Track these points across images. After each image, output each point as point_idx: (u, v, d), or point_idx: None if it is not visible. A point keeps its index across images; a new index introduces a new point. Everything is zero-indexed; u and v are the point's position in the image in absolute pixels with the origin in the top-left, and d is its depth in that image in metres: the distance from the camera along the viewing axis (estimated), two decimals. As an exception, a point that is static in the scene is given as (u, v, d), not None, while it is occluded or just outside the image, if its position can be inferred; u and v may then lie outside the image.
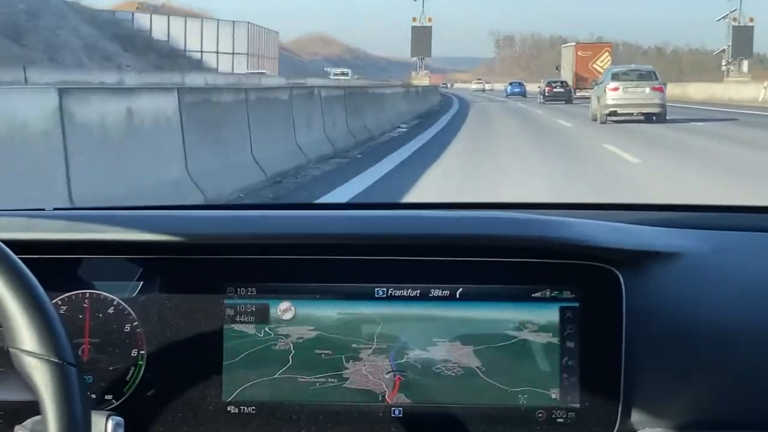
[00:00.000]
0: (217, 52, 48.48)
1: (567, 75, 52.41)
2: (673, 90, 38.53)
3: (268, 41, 58.06)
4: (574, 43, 57.21)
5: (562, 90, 41.72)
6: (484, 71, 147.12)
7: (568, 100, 40.98)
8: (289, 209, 1.22)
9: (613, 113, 21.25)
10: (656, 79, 22.07)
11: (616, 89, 21.23)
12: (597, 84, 23.49)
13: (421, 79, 56.95)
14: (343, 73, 61.80)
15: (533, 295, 0.94)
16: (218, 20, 49.20)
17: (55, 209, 1.10)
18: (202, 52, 47.84)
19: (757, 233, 1.09)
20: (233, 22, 49.53)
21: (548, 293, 0.94)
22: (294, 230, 0.98)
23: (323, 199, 7.50)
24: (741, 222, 1.18)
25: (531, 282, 0.94)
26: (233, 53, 49.64)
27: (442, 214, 1.09)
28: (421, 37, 65.62)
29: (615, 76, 22.04)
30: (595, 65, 50.73)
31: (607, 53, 54.31)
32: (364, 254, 0.96)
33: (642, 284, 0.95)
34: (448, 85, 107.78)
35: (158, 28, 45.81)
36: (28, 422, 0.74)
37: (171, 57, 41.63)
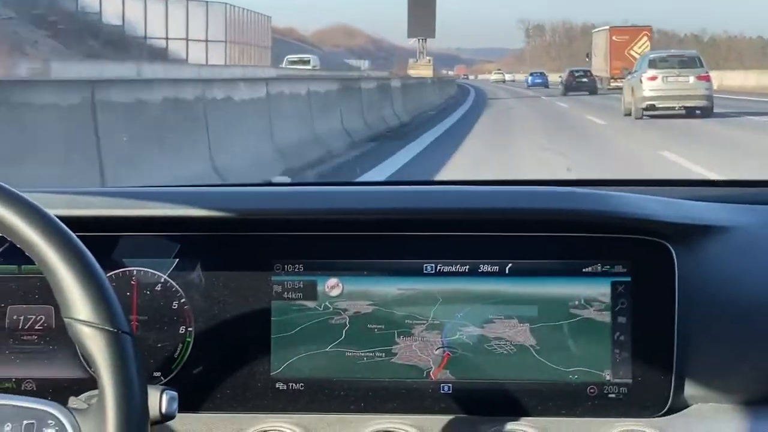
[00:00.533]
0: (187, 39, 38.30)
1: (599, 64, 45.92)
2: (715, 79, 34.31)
3: (257, 27, 46.45)
4: (607, 27, 47.00)
5: (585, 80, 38.17)
6: (512, 62, 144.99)
7: (592, 90, 37.58)
8: (333, 186, 1.23)
9: (651, 107, 17.91)
10: (701, 66, 18.71)
11: (654, 78, 17.94)
12: (630, 73, 19.84)
13: (422, 69, 45.68)
14: (302, 61, 48.18)
15: (584, 270, 0.94)
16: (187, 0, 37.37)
17: (103, 188, 1.10)
18: (167, 39, 37.60)
19: None
20: (206, 2, 38.53)
21: (600, 268, 0.94)
22: (339, 205, 0.99)
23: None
24: None
25: (582, 257, 0.94)
26: (207, 41, 39.21)
27: (489, 189, 1.08)
28: (422, 11, 50.53)
29: (653, 63, 18.64)
30: (632, 52, 41.76)
31: (645, 38, 45.03)
32: (411, 230, 0.96)
33: (694, 258, 0.95)
34: (469, 77, 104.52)
35: (112, 10, 35.01)
36: (83, 396, 0.74)
37: (120, 44, 32.91)
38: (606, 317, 0.93)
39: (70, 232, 0.71)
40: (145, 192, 1.04)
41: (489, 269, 0.95)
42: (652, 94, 17.83)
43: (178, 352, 0.95)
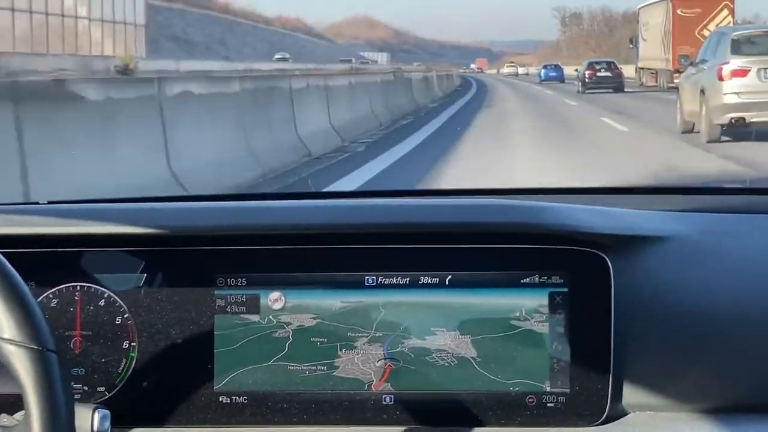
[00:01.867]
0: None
1: (651, 51, 31.17)
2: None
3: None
4: None
5: (608, 74, 30.12)
6: (548, 53, 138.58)
7: (618, 87, 29.71)
8: (277, 199, 1.26)
9: (738, 122, 10.47)
10: None
11: (741, 73, 10.64)
12: (693, 63, 12.33)
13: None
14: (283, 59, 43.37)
15: (522, 281, 0.96)
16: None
17: (49, 202, 1.13)
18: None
19: (746, 215, 1.10)
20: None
21: (537, 279, 0.96)
22: (279, 221, 1.01)
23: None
24: (730, 204, 1.18)
25: (520, 268, 0.96)
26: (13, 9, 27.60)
27: (428, 202, 1.11)
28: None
29: (737, 47, 11.06)
30: (706, 31, 24.68)
31: (726, 11, 28.32)
32: (352, 243, 0.98)
33: (630, 268, 0.97)
34: (484, 71, 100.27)
35: None
36: (17, 414, 0.74)
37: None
38: (545, 328, 0.95)
39: None
40: (87, 208, 1.07)
41: (429, 281, 0.97)
42: (740, 101, 10.35)
43: (122, 367, 0.98)
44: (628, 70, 37.08)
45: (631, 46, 37.98)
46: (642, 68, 33.89)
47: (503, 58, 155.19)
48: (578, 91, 30.01)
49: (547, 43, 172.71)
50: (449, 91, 30.50)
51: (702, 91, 10.97)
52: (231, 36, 52.83)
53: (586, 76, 30.43)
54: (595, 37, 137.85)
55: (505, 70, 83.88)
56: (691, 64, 12.38)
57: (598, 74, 30.50)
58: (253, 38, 58.57)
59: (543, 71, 50.90)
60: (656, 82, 30.44)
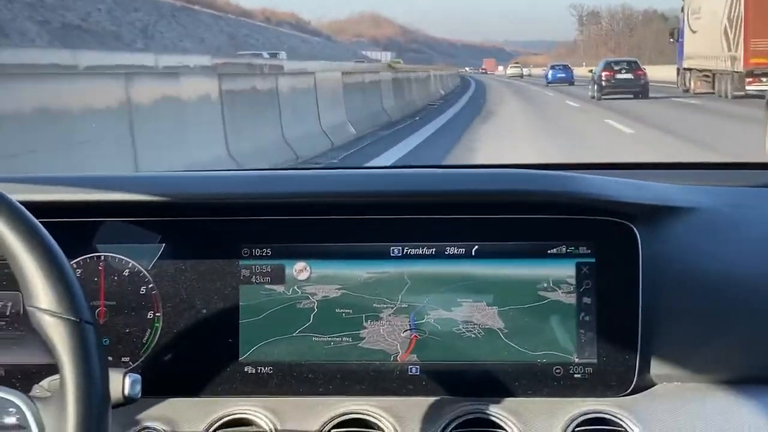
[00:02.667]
0: None
1: (707, 47, 22.77)
2: None
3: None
4: None
5: (629, 76, 24.99)
6: (564, 53, 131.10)
7: (641, 93, 24.82)
8: (300, 170, 1.23)
9: None
10: None
11: None
12: None
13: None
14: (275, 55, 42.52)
15: (549, 251, 0.96)
16: None
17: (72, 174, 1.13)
18: None
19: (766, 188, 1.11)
20: None
21: (564, 249, 0.96)
22: (306, 189, 1.00)
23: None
24: (754, 178, 1.21)
25: (546, 238, 0.96)
26: None
27: (454, 171, 1.10)
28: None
29: None
30: None
31: None
32: (378, 213, 0.98)
33: (657, 239, 0.97)
34: (491, 71, 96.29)
35: None
36: (45, 382, 0.77)
37: None
38: (573, 299, 0.95)
39: (34, 219, 0.73)
40: (114, 177, 1.07)
41: (455, 251, 0.97)
42: None
43: (146, 337, 0.98)
44: (661, 72, 31.56)
45: (671, 40, 29.05)
46: (689, 69, 26.02)
47: (517, 57, 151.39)
48: (592, 96, 25.34)
49: (563, 44, 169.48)
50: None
51: None
52: (165, 24, 43.94)
53: (603, 78, 25.20)
54: (614, 37, 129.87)
55: (510, 71, 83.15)
56: None
57: (618, 76, 25.18)
58: (214, 29, 50.31)
59: (550, 72, 46.19)
60: (713, 88, 22.82)
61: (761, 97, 10.99)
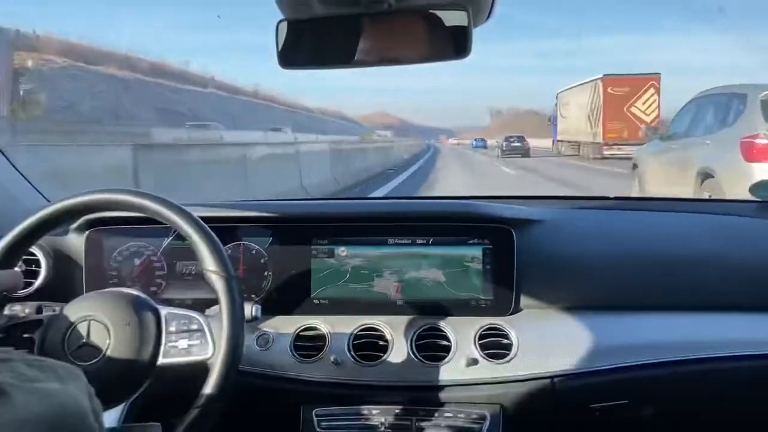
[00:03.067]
0: None
1: (577, 127, 33.70)
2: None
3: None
4: (599, 77, 31.00)
5: (519, 144, 40.39)
6: (482, 132, 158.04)
7: (525, 154, 38.44)
8: (341, 200, 2.13)
9: None
10: None
11: None
12: (666, 137, 8.36)
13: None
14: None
15: (469, 242, 1.69)
16: None
17: (227, 201, 1.89)
18: None
19: (589, 210, 1.93)
20: None
21: (476, 240, 1.69)
22: (344, 210, 1.83)
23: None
24: (579, 204, 1.99)
25: (468, 235, 1.69)
26: None
27: (420, 201, 2.00)
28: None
29: None
30: (634, 108, 29.16)
31: (653, 90, 29.92)
32: (381, 222, 1.74)
33: (523, 235, 1.69)
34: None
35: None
36: (212, 309, 1.31)
37: None
38: (480, 266, 1.69)
39: (204, 223, 1.27)
40: (250, 203, 1.85)
41: (422, 241, 1.71)
42: None
43: (263, 284, 1.74)
44: (537, 142, 48.05)
45: (548, 123, 44.62)
46: (561, 141, 39.31)
47: (457, 134, 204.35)
48: (498, 156, 38.52)
49: (482, 126, 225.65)
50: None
51: (706, 174, 6.71)
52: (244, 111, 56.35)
53: (503, 145, 40.45)
54: (509, 125, 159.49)
55: (453, 142, 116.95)
56: (660, 137, 8.63)
57: (512, 144, 39.99)
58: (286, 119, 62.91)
59: (474, 142, 74.91)
60: (578, 152, 33.62)
61: (613, 158, 22.29)
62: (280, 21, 1.21)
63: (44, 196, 2.01)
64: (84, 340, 1.21)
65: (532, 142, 43.38)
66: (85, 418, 0.63)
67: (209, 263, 1.23)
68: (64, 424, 0.61)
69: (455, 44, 1.16)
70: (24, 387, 0.60)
